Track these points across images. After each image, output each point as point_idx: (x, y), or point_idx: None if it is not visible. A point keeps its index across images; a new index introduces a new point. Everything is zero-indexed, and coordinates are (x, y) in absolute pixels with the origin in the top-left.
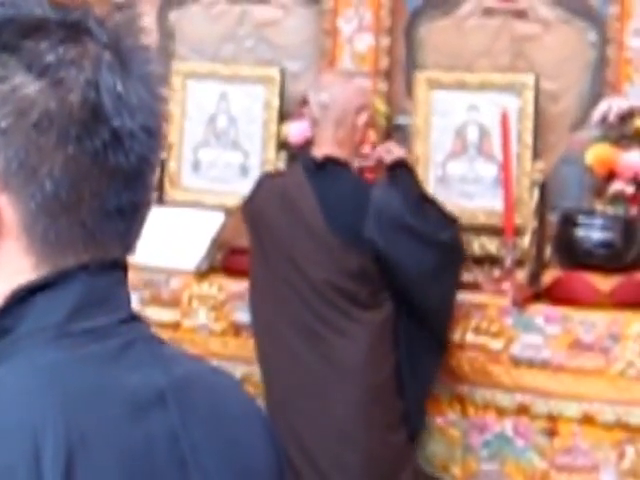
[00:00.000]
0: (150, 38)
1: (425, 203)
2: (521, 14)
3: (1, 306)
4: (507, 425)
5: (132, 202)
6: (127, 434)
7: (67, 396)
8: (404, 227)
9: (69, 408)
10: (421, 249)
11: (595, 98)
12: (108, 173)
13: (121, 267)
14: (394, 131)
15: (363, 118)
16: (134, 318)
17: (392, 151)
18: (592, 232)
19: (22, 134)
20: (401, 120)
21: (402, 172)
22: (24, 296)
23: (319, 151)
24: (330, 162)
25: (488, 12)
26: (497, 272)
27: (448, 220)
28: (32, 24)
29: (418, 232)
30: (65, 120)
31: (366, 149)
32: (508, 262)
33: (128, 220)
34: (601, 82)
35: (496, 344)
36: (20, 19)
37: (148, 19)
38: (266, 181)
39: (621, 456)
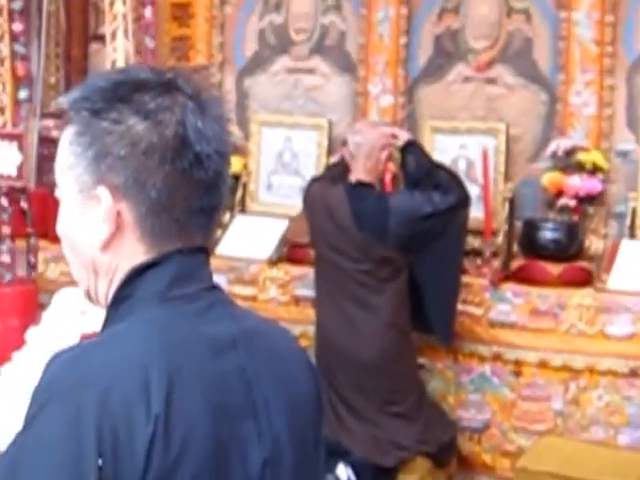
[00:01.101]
0: (230, 96)
1: (435, 167)
2: (492, 81)
3: (124, 279)
4: (486, 368)
5: (211, 204)
6: (209, 368)
7: (167, 341)
8: (419, 217)
9: (169, 350)
10: (435, 221)
11: (545, 141)
12: (193, 184)
13: (204, 252)
14: None
15: (385, 154)
16: (214, 287)
17: (399, 136)
18: (546, 233)
19: (135, 159)
20: None
21: (413, 148)
22: (138, 272)
23: (354, 177)
24: (360, 184)
25: (467, 79)
26: (479, 261)
27: (453, 178)
28: (139, 83)
29: (429, 214)
30: (163, 148)
31: (388, 177)
32: (487, 254)
33: (208, 217)
34: (551, 128)
35: (478, 311)
36: (130, 80)
37: (229, 84)
38: (313, 185)
39: (566, 390)
